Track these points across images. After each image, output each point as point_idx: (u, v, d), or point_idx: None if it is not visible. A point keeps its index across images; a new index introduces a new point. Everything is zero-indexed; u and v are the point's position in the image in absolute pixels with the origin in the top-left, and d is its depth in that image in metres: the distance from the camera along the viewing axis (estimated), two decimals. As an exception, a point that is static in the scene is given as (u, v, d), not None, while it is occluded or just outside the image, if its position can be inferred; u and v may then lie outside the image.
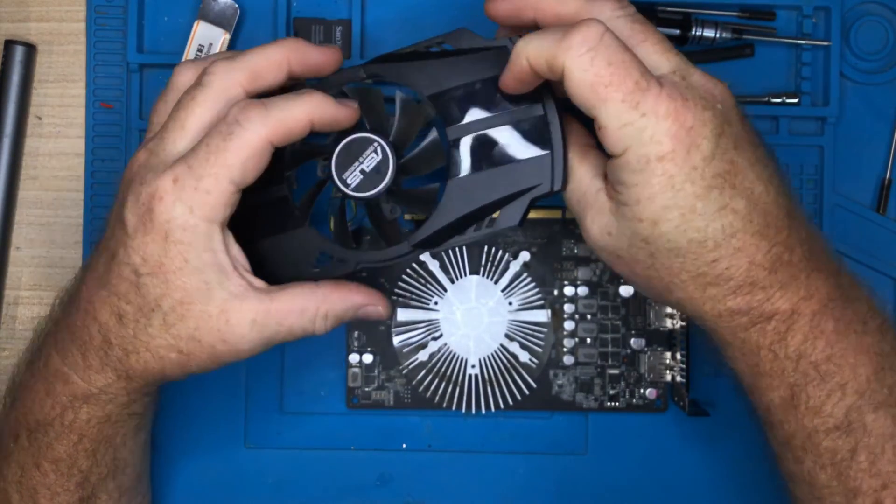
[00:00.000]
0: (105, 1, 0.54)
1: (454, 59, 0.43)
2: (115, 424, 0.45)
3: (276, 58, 0.42)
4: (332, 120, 0.42)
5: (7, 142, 0.54)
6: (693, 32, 0.52)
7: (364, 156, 0.44)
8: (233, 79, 0.42)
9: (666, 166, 0.38)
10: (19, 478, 0.46)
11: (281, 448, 0.54)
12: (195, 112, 0.41)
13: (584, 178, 0.42)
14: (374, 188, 0.44)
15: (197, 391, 0.54)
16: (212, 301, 0.41)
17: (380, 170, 0.44)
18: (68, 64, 0.55)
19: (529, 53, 0.39)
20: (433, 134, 0.46)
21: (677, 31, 0.52)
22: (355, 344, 0.53)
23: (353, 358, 0.53)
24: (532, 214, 0.53)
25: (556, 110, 0.43)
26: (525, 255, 0.53)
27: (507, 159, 0.43)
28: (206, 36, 0.53)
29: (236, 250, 0.42)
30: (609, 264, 0.43)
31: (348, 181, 0.44)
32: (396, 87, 0.46)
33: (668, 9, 0.53)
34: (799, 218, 0.42)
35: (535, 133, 0.43)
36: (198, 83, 0.42)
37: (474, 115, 0.43)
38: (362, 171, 0.44)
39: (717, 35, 0.53)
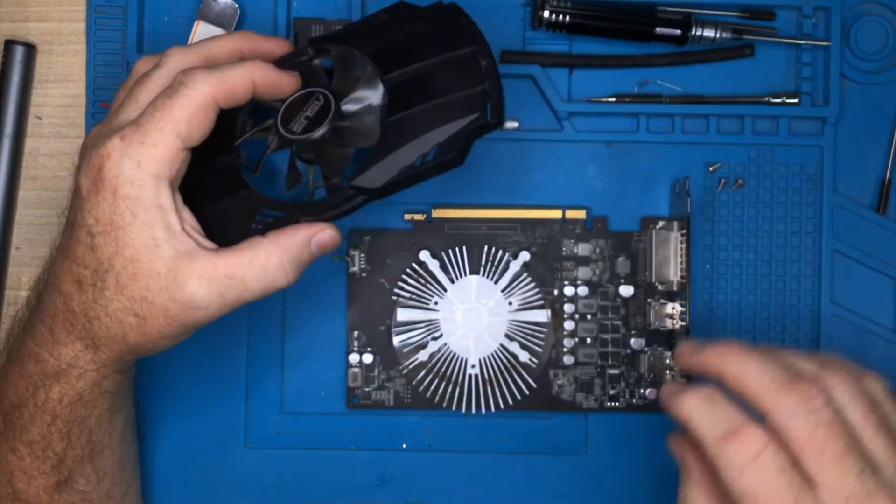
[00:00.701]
0: (105, 1, 0.54)
1: (393, 25, 0.46)
2: (88, 404, 0.45)
3: (230, 46, 0.46)
4: (273, 84, 0.44)
5: (7, 142, 0.54)
6: (693, 32, 0.52)
7: (307, 105, 0.45)
8: (187, 61, 0.44)
9: None
10: None
11: (281, 448, 0.54)
12: (149, 87, 0.44)
13: None
14: (318, 126, 0.45)
15: (197, 391, 0.54)
16: (159, 258, 0.41)
17: (323, 111, 0.45)
18: (68, 64, 0.55)
19: (684, 416, 0.40)
20: (369, 73, 0.46)
21: (677, 32, 0.52)
22: (355, 344, 0.53)
23: (353, 358, 0.53)
24: (532, 214, 0.53)
25: (488, 49, 0.45)
26: (525, 255, 0.53)
27: (441, 94, 0.44)
28: (206, 36, 0.53)
29: (187, 213, 0.43)
30: None
31: (294, 129, 0.45)
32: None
33: (668, 9, 0.53)
34: None
35: (468, 71, 0.44)
36: (155, 66, 0.44)
37: (409, 62, 0.45)
38: (307, 118, 0.45)
39: (717, 35, 0.53)
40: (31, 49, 0.54)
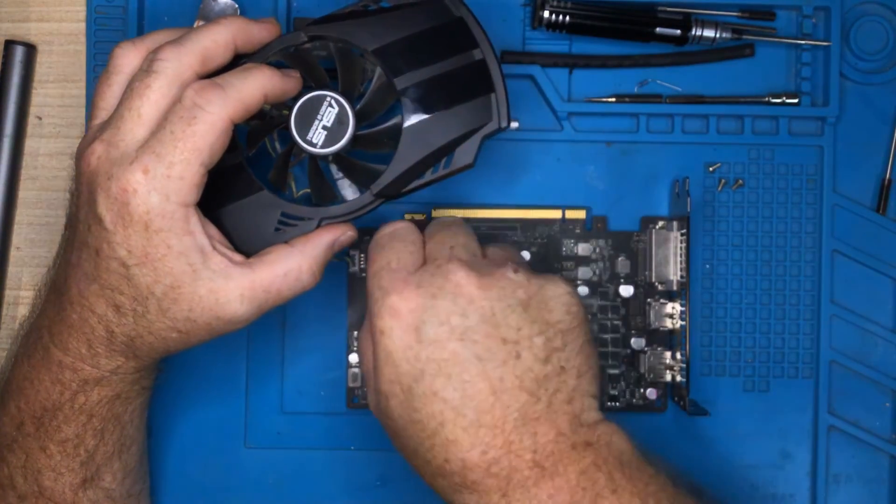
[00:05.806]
0: (105, 1, 0.54)
1: (392, 14, 0.45)
2: (125, 401, 0.47)
3: (224, 39, 0.44)
4: (282, 92, 0.44)
5: (7, 142, 0.54)
6: (693, 32, 0.52)
7: (320, 113, 0.45)
8: (185, 63, 0.43)
9: (385, 341, 0.41)
10: (24, 462, 0.46)
11: (281, 448, 0.54)
12: (151, 98, 0.42)
13: None
14: (342, 139, 0.45)
15: (197, 391, 0.54)
16: (199, 281, 0.42)
17: (341, 120, 0.45)
18: (68, 64, 0.55)
19: None
20: (378, 74, 0.47)
21: (677, 32, 0.52)
22: (355, 344, 0.53)
23: (353, 358, 0.53)
24: (532, 214, 0.53)
25: (493, 54, 0.45)
26: (525, 255, 0.53)
27: (454, 102, 0.45)
28: (206, 36, 0.53)
29: (211, 228, 0.44)
30: None
31: (314, 141, 0.45)
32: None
33: (668, 9, 0.53)
34: (546, 422, 0.41)
35: (477, 76, 0.45)
36: (149, 69, 0.42)
37: (418, 64, 0.45)
38: (324, 128, 0.45)
39: (717, 35, 0.53)
40: (31, 49, 0.54)
